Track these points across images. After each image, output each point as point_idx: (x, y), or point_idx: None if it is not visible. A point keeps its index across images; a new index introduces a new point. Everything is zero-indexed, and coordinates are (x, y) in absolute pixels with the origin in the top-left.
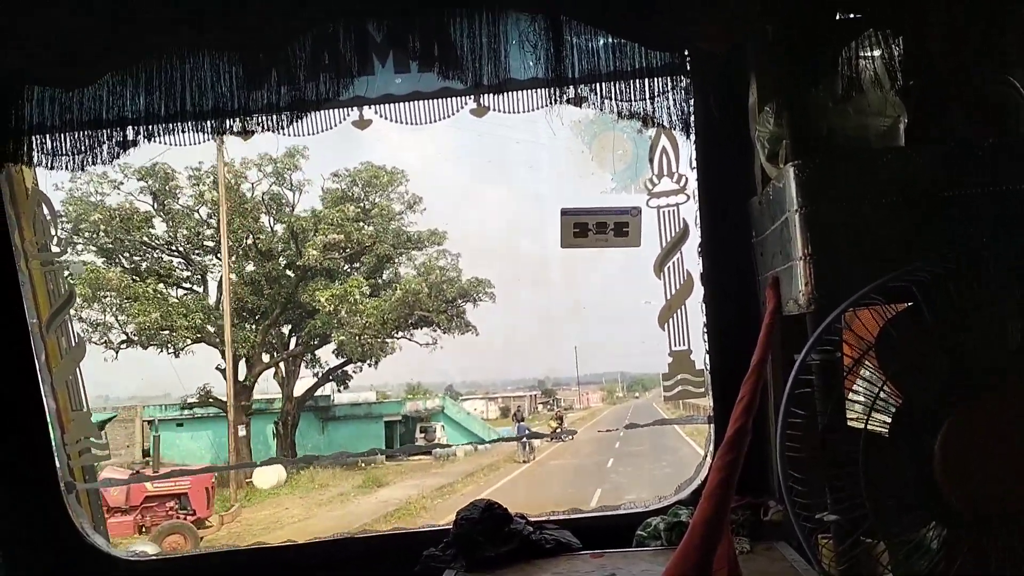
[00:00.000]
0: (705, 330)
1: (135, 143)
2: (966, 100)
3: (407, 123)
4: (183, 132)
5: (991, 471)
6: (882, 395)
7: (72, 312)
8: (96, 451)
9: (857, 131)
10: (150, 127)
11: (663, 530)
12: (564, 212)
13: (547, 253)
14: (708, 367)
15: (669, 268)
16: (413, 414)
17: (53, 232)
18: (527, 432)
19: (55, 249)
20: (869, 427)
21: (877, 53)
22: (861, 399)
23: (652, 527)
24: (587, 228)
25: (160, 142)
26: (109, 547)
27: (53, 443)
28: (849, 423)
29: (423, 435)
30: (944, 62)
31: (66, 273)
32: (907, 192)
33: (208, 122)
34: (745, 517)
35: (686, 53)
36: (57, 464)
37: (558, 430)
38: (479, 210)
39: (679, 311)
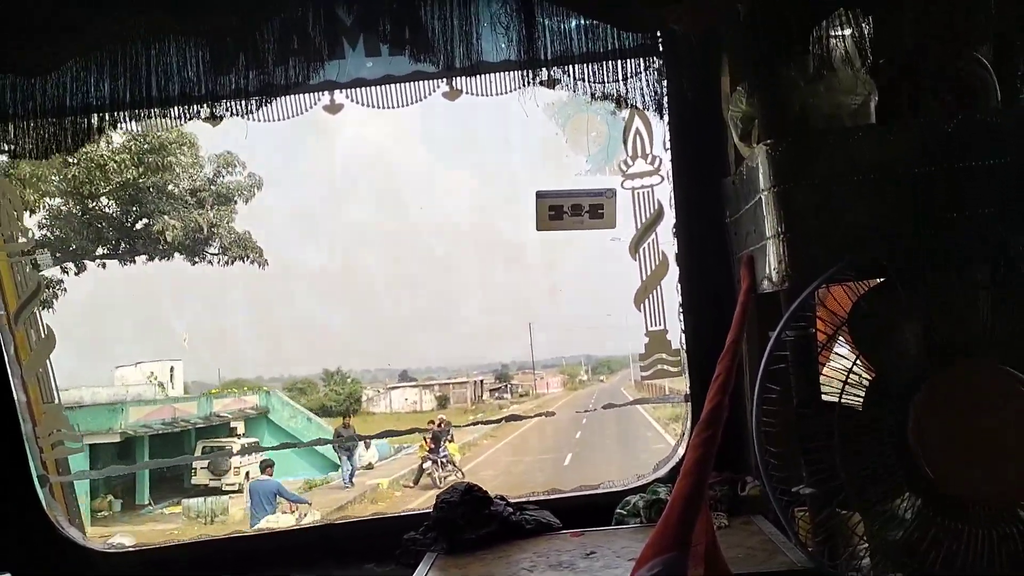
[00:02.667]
0: (681, 310)
1: (100, 130)
2: (935, 78)
3: (379, 107)
4: (149, 119)
5: (963, 443)
6: (855, 370)
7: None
8: (69, 443)
9: (829, 109)
10: (115, 114)
11: (642, 508)
12: (539, 195)
13: (522, 236)
14: (684, 346)
15: (644, 249)
16: (217, 421)
17: (20, 223)
18: (349, 475)
19: (21, 240)
20: (843, 401)
21: (848, 32)
22: (835, 374)
23: (631, 505)
24: (562, 210)
25: (126, 129)
26: (85, 540)
27: (25, 436)
28: (823, 398)
29: (207, 467)
30: (913, 40)
31: (32, 265)
32: (878, 169)
33: (175, 108)
34: (723, 493)
35: (658, 34)
36: (30, 457)
37: (426, 460)
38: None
39: (655, 291)
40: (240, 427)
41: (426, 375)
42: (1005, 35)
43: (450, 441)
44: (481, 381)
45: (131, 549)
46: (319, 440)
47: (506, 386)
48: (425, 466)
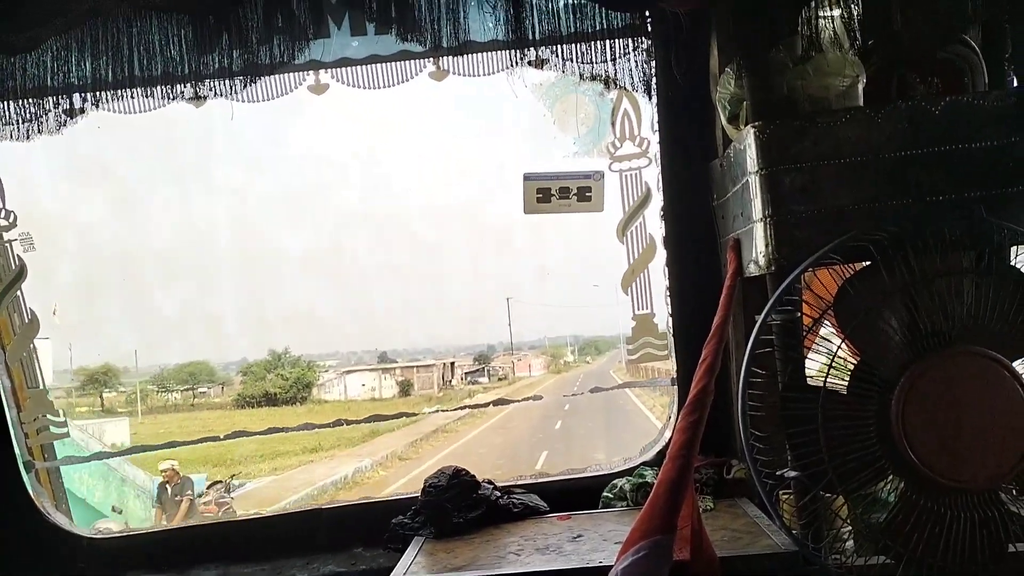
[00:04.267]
0: (668, 293)
1: (82, 110)
2: (923, 60)
3: (365, 87)
4: (132, 98)
5: (946, 428)
6: (840, 354)
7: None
8: (55, 429)
9: (817, 91)
10: (98, 94)
11: (629, 491)
12: (527, 177)
13: (510, 218)
14: (671, 329)
15: (632, 232)
16: None
17: (1, 206)
18: None
19: (3, 223)
20: (828, 386)
21: (836, 13)
22: (820, 358)
23: (618, 488)
24: (550, 193)
25: (108, 109)
26: (71, 525)
27: (10, 422)
28: (808, 382)
29: None
30: (901, 22)
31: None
32: (865, 152)
33: (158, 87)
34: (709, 476)
35: (647, 14)
36: (15, 443)
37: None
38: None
39: (642, 275)
40: None
41: (411, 357)
42: (993, 18)
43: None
44: (452, 364)
45: (117, 534)
46: None
47: (483, 369)
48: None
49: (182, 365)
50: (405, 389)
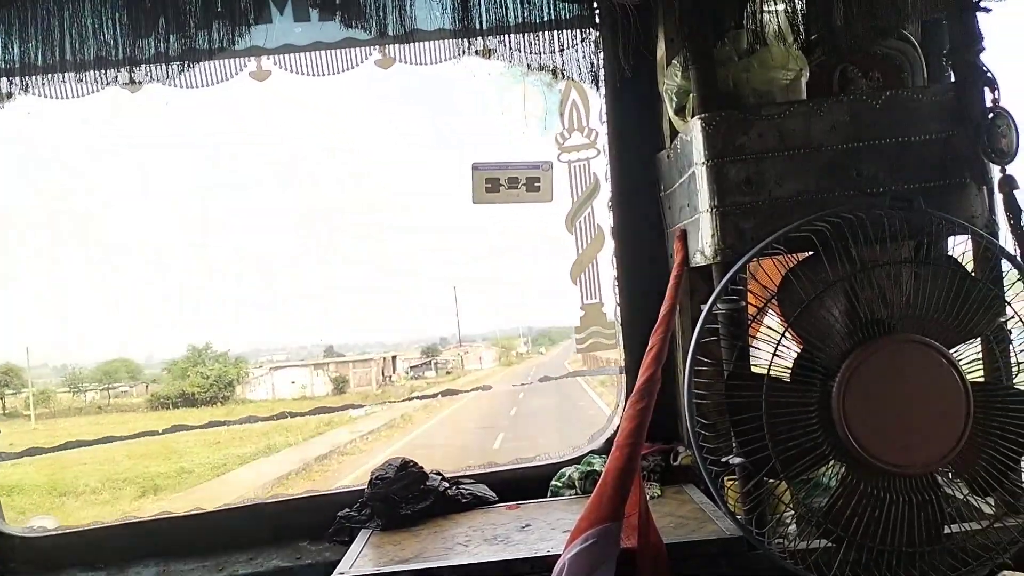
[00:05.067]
0: (616, 283)
1: (10, 95)
2: (863, 54)
3: (308, 74)
4: (63, 83)
5: (885, 413)
6: (783, 342)
7: None
8: None
9: (762, 84)
10: (27, 78)
11: (577, 479)
12: (475, 167)
13: (461, 208)
14: (619, 319)
15: (581, 223)
16: None
17: None
18: None
19: None
20: (771, 373)
21: (781, 7)
22: (764, 347)
23: (566, 477)
24: (499, 183)
25: (39, 94)
26: (3, 524)
27: None
28: (753, 370)
29: None
30: (842, 17)
31: None
32: (808, 144)
33: (91, 72)
34: (656, 463)
35: (595, 5)
36: None
37: None
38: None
39: (591, 265)
40: None
41: (361, 351)
42: (931, 14)
43: None
44: (393, 358)
45: (53, 532)
46: None
47: (430, 362)
48: None
49: (102, 363)
50: (340, 386)
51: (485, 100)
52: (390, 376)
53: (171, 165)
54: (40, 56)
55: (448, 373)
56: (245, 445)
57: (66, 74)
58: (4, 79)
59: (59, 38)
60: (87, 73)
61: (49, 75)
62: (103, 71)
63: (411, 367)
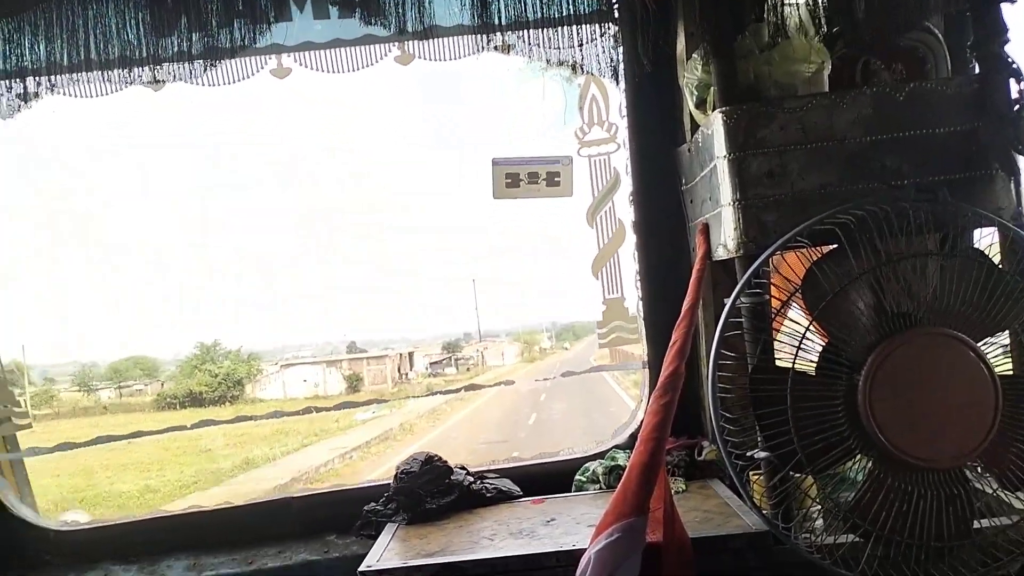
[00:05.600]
0: (638, 277)
1: (37, 95)
2: (886, 47)
3: (329, 71)
4: (89, 83)
5: (912, 407)
6: (808, 336)
7: None
8: (16, 420)
9: (783, 77)
10: (52, 78)
11: (601, 474)
12: (495, 162)
13: (482, 204)
14: (641, 313)
15: (601, 217)
16: None
17: None
18: None
19: None
20: (796, 367)
21: (802, 0)
22: (789, 340)
23: (591, 471)
24: (519, 178)
25: (64, 93)
26: (38, 518)
27: None
28: (777, 363)
29: None
30: (865, 9)
31: None
32: (831, 137)
33: (115, 71)
34: (680, 458)
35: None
36: None
37: None
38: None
39: (612, 259)
40: None
41: (384, 347)
42: (954, 6)
43: None
44: (410, 354)
45: (86, 526)
46: None
47: (451, 358)
48: None
49: (115, 361)
50: (353, 384)
51: (503, 96)
52: (406, 373)
53: (171, 165)
54: (65, 56)
55: (468, 370)
56: (239, 452)
57: (91, 73)
58: (31, 79)
59: (83, 38)
60: (112, 72)
61: (74, 74)
62: (127, 70)
63: (431, 363)
